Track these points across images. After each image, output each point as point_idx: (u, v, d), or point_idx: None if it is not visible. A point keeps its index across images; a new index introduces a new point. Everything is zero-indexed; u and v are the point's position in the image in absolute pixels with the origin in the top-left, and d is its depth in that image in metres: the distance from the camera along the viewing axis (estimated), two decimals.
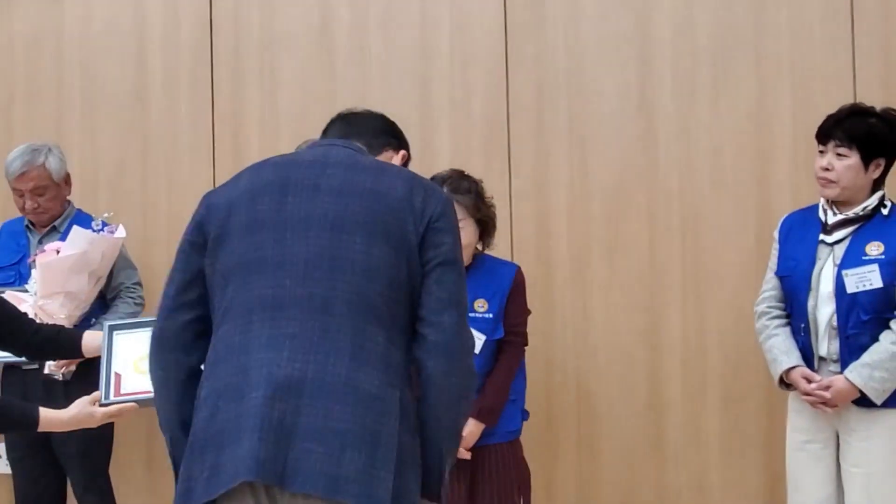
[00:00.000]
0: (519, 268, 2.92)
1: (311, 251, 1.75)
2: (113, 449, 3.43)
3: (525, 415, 2.91)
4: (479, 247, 2.90)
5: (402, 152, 2.07)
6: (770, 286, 2.90)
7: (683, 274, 3.40)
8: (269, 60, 3.74)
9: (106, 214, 3.21)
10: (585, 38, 3.50)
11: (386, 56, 3.66)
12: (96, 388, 3.21)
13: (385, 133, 2.06)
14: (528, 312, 2.93)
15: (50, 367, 3.10)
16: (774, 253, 2.91)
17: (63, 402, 3.12)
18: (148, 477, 3.76)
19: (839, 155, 2.72)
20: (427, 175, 2.80)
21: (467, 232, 2.71)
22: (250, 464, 1.60)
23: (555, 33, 3.53)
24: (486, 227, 2.84)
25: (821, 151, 2.77)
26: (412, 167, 2.09)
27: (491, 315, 2.79)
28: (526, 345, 2.92)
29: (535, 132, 3.54)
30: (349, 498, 1.60)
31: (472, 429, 2.71)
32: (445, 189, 2.74)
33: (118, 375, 2.63)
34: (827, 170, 2.73)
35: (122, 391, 2.59)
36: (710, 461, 3.37)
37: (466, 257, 2.76)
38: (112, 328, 2.65)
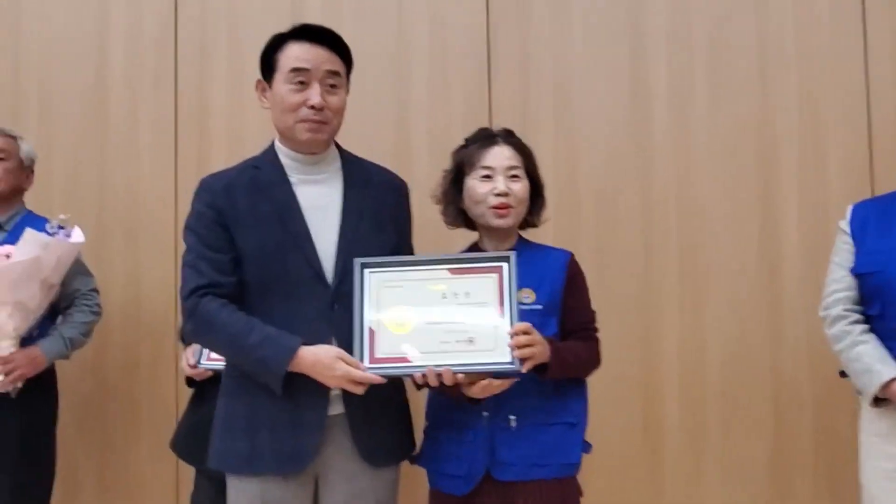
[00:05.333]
0: (572, 255, 2.33)
1: None
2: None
3: (587, 447, 2.28)
4: (528, 219, 2.38)
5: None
6: (843, 286, 2.46)
7: (681, 280, 3.23)
8: (236, 58, 3.53)
9: (62, 217, 2.99)
10: (573, 32, 3.35)
11: (361, 51, 3.43)
12: (46, 403, 3.03)
13: None
14: (594, 311, 2.36)
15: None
16: (846, 247, 2.47)
17: (16, 419, 2.97)
18: None
19: None
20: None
21: (523, 185, 2.31)
22: None
23: (540, 27, 3.37)
24: (536, 193, 2.36)
25: None
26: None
27: (540, 306, 2.22)
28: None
29: (520, 133, 3.31)
30: None
31: (538, 343, 2.08)
32: (499, 136, 2.37)
33: (372, 332, 2.08)
34: None
35: (377, 355, 2.06)
36: (711, 482, 3.19)
37: (518, 214, 2.33)
38: (364, 265, 2.11)
